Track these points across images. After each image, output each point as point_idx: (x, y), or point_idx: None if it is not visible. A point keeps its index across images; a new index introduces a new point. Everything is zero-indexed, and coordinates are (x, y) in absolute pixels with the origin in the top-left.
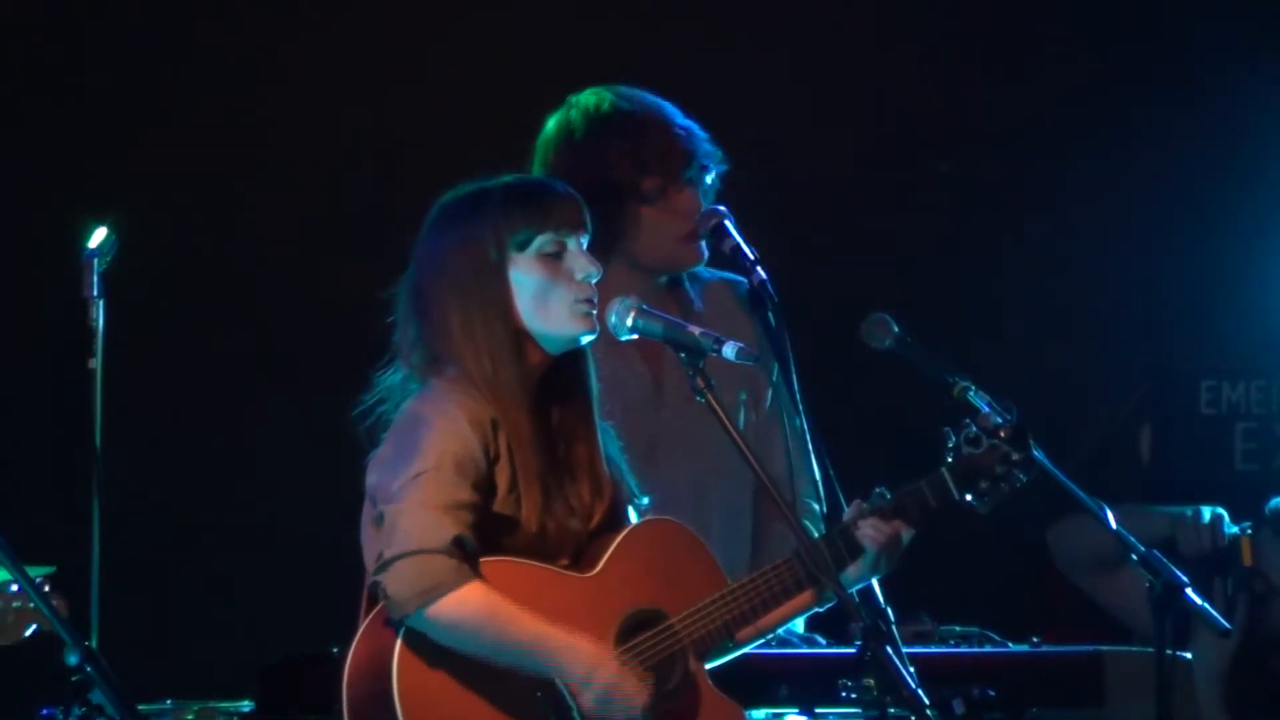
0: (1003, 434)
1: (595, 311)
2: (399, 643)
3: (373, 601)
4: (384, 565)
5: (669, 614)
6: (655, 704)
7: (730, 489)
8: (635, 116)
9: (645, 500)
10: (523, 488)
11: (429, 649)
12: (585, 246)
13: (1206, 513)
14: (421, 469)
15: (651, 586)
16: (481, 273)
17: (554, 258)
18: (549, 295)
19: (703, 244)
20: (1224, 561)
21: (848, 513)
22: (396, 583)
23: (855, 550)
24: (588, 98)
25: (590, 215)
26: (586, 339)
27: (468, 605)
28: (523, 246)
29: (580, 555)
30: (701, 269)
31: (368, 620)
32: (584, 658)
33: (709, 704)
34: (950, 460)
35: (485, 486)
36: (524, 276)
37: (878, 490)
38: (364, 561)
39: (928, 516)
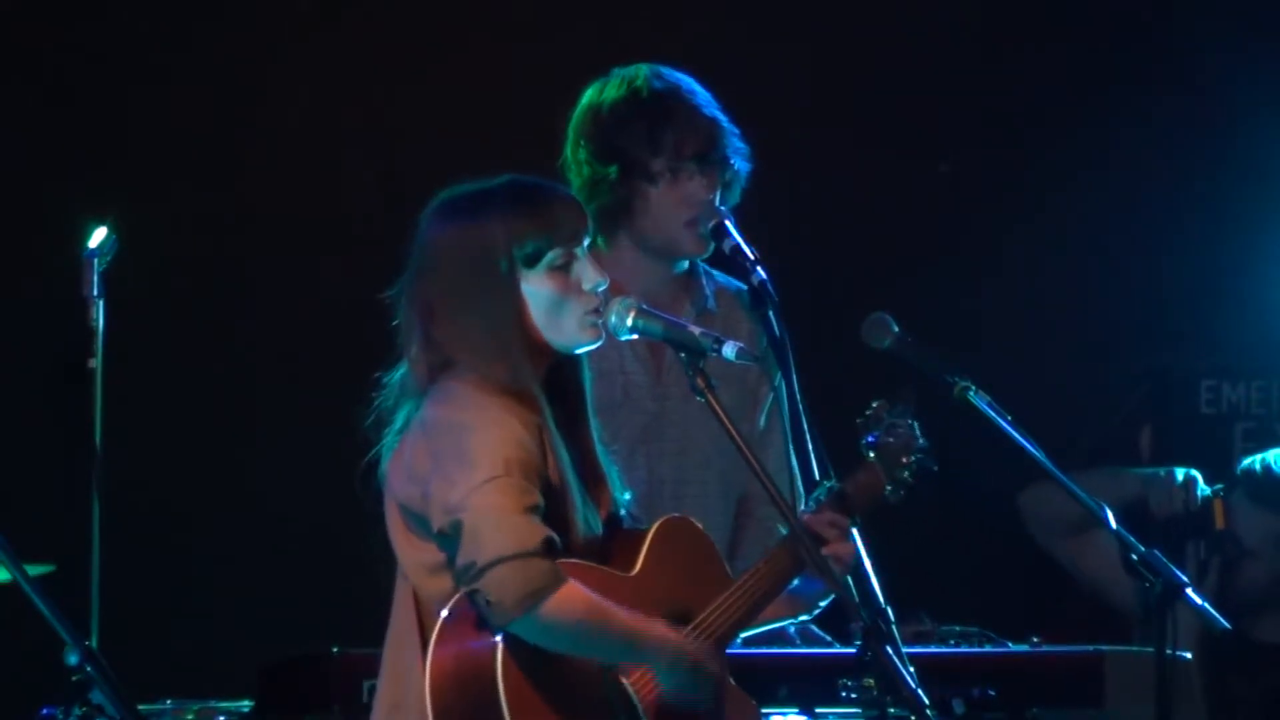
0: (905, 423)
1: (601, 320)
2: (500, 648)
3: (420, 607)
4: (480, 572)
5: (695, 611)
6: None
7: (711, 489)
8: (662, 96)
9: (627, 495)
10: (562, 488)
11: (527, 654)
12: (587, 250)
13: (1180, 473)
14: (490, 475)
15: (681, 585)
16: (492, 285)
17: (563, 270)
18: (560, 309)
19: (706, 234)
20: (1196, 524)
21: (802, 508)
22: (500, 588)
23: (819, 542)
24: (628, 71)
25: (598, 189)
26: (592, 347)
27: (569, 605)
28: (532, 261)
29: (607, 553)
30: (718, 273)
31: (442, 626)
32: (669, 644)
33: (733, 700)
34: (875, 454)
35: (544, 488)
36: (534, 290)
37: (827, 484)
38: (404, 568)
39: (867, 510)
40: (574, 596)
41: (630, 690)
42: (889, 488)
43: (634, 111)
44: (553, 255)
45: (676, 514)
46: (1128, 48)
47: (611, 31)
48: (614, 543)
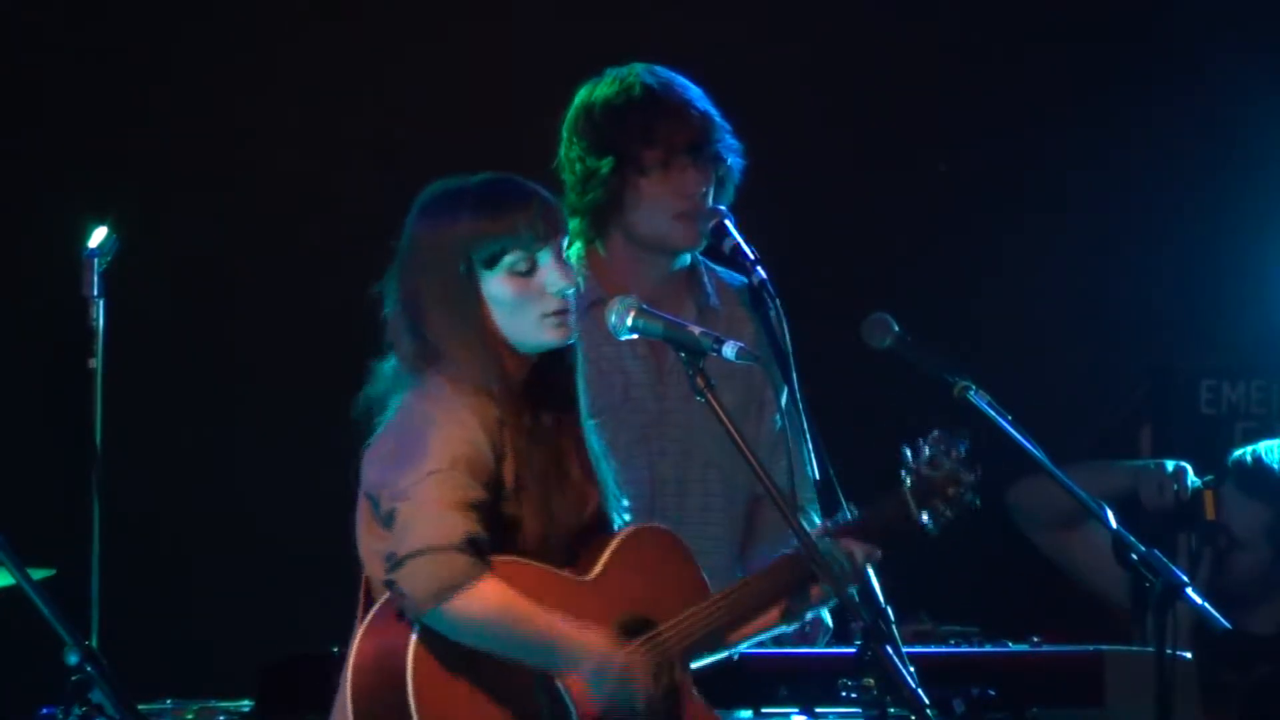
0: (954, 455)
1: (570, 320)
2: (413, 640)
3: (370, 596)
4: (399, 563)
5: (658, 621)
6: (655, 697)
7: (715, 489)
8: (654, 91)
9: (625, 501)
10: (525, 487)
11: (442, 648)
12: (564, 248)
13: (1170, 465)
14: (434, 468)
15: (644, 592)
16: (453, 285)
17: (524, 275)
18: (518, 312)
19: (700, 228)
20: (1187, 515)
21: (813, 532)
22: (412, 580)
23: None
24: (621, 69)
25: (591, 184)
26: (558, 345)
27: (483, 601)
28: (491, 264)
29: (573, 555)
30: (720, 268)
31: (371, 616)
32: (594, 650)
33: (693, 713)
34: (910, 481)
35: (494, 486)
36: (494, 291)
37: (843, 509)
38: (359, 556)
39: (890, 534)
40: (488, 594)
41: (564, 693)
42: (926, 519)
43: (627, 106)
44: (512, 259)
45: (654, 523)
46: (1127, 47)
47: (613, 31)
48: (585, 545)
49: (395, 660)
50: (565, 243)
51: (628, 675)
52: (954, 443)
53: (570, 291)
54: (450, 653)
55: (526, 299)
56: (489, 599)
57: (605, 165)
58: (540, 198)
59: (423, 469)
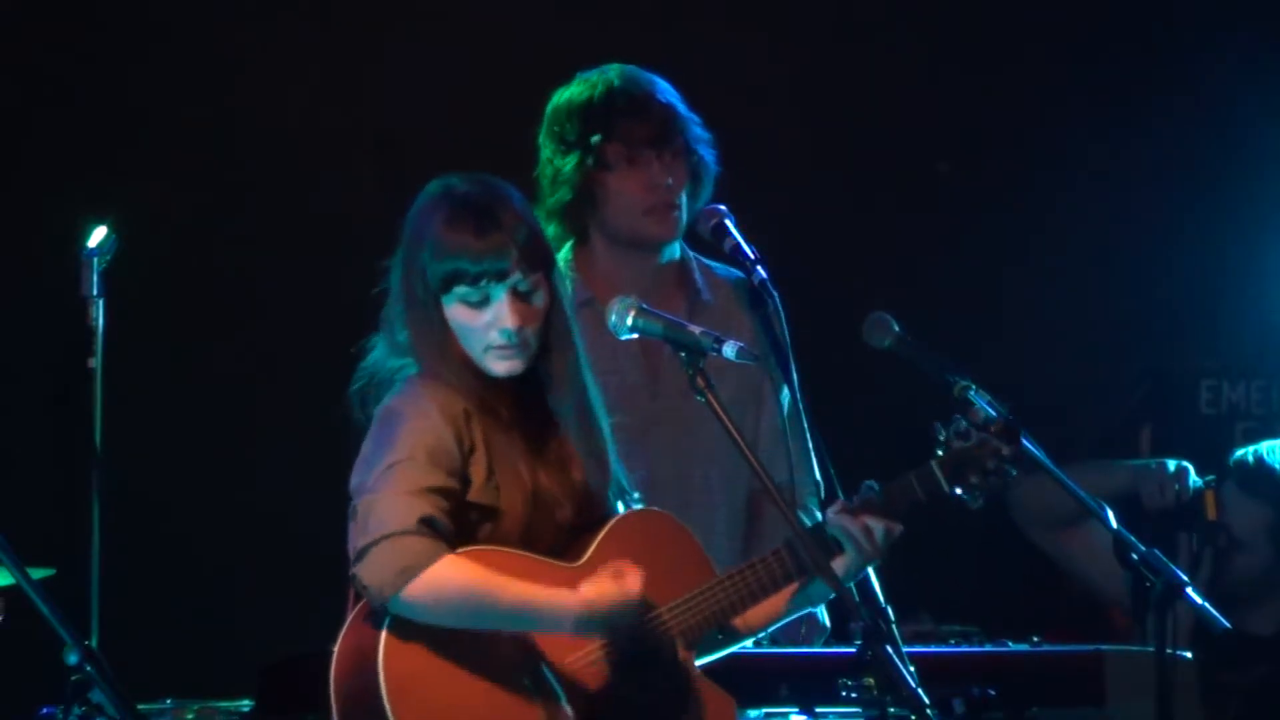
0: (993, 428)
1: (516, 354)
2: (384, 633)
3: (358, 598)
4: (359, 556)
5: (656, 604)
6: (657, 671)
7: (715, 485)
8: (618, 88)
9: (636, 495)
10: (501, 478)
11: (414, 638)
12: (534, 283)
13: (1171, 465)
14: (394, 460)
15: None
16: (418, 299)
17: (476, 306)
18: (468, 339)
19: (674, 219)
20: (1187, 515)
21: (833, 507)
22: (372, 570)
23: (838, 545)
24: (590, 71)
25: (559, 183)
26: (510, 374)
27: (445, 579)
28: (444, 288)
29: (568, 548)
30: (714, 263)
31: (351, 616)
32: (571, 604)
33: (700, 693)
34: (940, 453)
35: (460, 476)
36: (449, 313)
37: (866, 484)
38: (350, 556)
39: (917, 511)
40: (449, 571)
41: (550, 674)
42: (960, 493)
43: (589, 104)
44: (463, 291)
45: (651, 508)
46: (1127, 48)
47: (612, 30)
48: (580, 536)
49: (368, 658)
50: (535, 277)
51: (615, 605)
52: (992, 415)
53: (513, 338)
54: (424, 645)
55: (474, 329)
56: (451, 576)
57: (569, 163)
58: (504, 232)
59: (384, 463)
